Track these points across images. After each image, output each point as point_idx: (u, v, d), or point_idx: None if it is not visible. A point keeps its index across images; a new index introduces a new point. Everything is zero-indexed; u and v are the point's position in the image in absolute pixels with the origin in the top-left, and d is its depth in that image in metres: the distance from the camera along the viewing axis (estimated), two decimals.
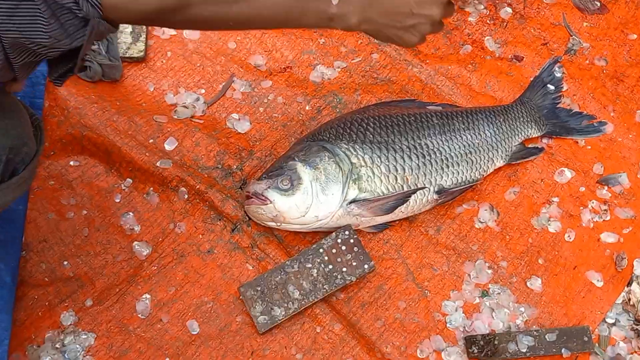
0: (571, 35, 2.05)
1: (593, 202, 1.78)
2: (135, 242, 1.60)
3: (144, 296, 1.55)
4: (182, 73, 1.84)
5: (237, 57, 1.89)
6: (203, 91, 1.83)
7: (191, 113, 1.77)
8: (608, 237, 1.74)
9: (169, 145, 1.70)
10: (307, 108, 1.84)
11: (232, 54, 1.89)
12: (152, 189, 1.66)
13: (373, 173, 1.61)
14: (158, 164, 1.66)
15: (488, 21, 2.04)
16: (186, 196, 1.66)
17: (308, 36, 1.94)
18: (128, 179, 1.67)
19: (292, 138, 1.79)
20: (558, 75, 1.92)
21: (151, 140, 1.71)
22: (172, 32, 1.89)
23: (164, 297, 1.55)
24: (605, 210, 1.77)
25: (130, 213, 1.63)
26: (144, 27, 1.81)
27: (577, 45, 2.03)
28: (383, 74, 1.93)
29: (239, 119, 1.80)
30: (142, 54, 1.81)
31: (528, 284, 1.66)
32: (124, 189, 1.66)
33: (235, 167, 1.72)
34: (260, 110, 1.83)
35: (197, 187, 1.65)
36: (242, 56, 1.90)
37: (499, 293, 1.64)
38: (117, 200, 1.65)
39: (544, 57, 2.00)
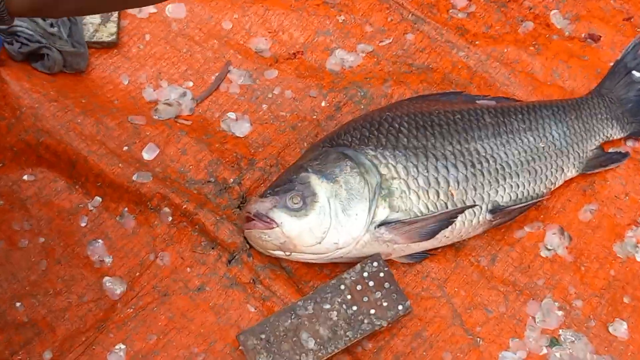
0: None
1: None
2: (106, 278, 1.60)
3: (117, 347, 1.54)
4: (164, 61, 1.85)
5: (233, 41, 1.89)
6: (191, 84, 1.83)
7: (176, 112, 1.78)
8: None
9: (148, 154, 1.71)
10: (322, 104, 1.84)
11: (228, 37, 1.90)
12: (126, 209, 1.67)
13: (408, 187, 1.60)
14: (134, 177, 1.66)
15: None
16: (170, 218, 1.66)
17: (324, 13, 1.95)
18: (96, 197, 1.67)
19: (304, 143, 1.79)
20: None
21: (125, 148, 1.71)
22: (151, 9, 1.90)
23: (143, 347, 1.55)
24: None
25: (100, 240, 1.64)
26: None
27: None
28: (420, 59, 1.93)
29: (237, 120, 1.80)
30: (113, 37, 1.83)
31: (610, 329, 1.64)
32: (91, 210, 1.66)
33: (232, 180, 1.72)
34: (263, 108, 1.83)
35: (184, 206, 1.65)
36: (240, 39, 1.90)
37: (572, 341, 1.62)
38: (83, 225, 1.65)
39: (627, 36, 1.99)
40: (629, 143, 1.86)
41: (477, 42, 1.95)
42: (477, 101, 1.79)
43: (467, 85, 1.89)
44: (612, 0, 2.03)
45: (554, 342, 1.62)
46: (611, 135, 1.82)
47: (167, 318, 1.58)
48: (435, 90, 1.87)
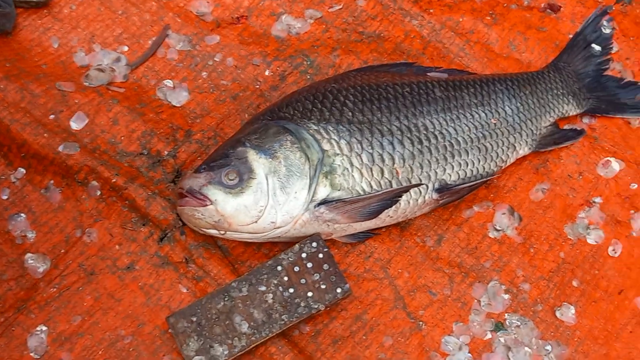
0: None
1: None
2: (29, 255, 1.55)
3: (38, 328, 1.50)
4: (97, 24, 1.78)
5: (173, 3, 1.83)
6: (126, 49, 1.77)
7: (108, 78, 1.72)
8: None
9: (76, 123, 1.65)
10: (266, 73, 1.79)
11: None
12: (52, 182, 1.61)
13: (351, 164, 1.55)
14: (60, 148, 1.60)
15: None
16: (99, 192, 1.60)
17: None
18: (20, 169, 1.62)
19: (245, 114, 1.73)
20: (607, 31, 1.88)
21: (52, 116, 1.65)
22: None
23: (66, 329, 1.51)
24: None
25: (22, 215, 1.58)
26: None
27: None
28: (371, 27, 1.87)
29: (174, 88, 1.74)
30: None
31: (558, 313, 1.62)
32: (13, 182, 1.61)
33: (166, 153, 1.66)
34: (203, 76, 1.77)
35: (114, 180, 1.60)
36: (180, 1, 1.84)
37: (518, 326, 1.60)
38: (5, 198, 1.59)
39: (588, 7, 1.95)
40: (585, 120, 1.83)
41: (431, 10, 1.90)
42: (428, 73, 1.74)
43: (420, 55, 1.85)
44: None
45: (499, 326, 1.60)
46: (567, 111, 1.79)
47: (93, 298, 1.54)
48: (386, 60, 1.83)
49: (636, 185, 1.75)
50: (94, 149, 1.63)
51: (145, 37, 1.78)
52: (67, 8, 1.78)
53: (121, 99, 1.69)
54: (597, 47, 1.86)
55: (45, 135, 1.60)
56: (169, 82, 1.74)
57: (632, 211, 1.73)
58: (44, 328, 1.50)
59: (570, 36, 1.88)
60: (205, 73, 1.77)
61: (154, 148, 1.66)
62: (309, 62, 1.80)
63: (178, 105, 1.72)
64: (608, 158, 1.77)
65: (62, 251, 1.57)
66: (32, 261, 1.54)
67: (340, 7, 1.88)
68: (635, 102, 1.83)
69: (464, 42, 1.87)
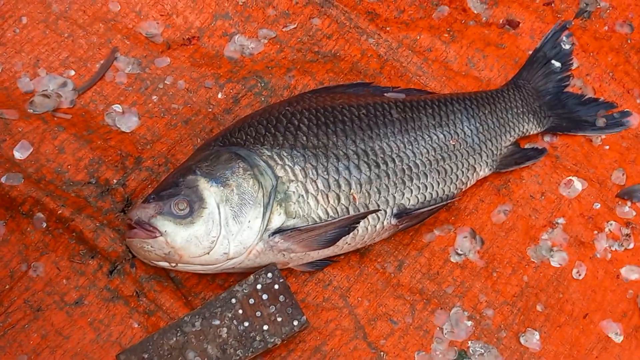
0: None
1: (611, 224, 1.73)
2: None
3: None
4: (42, 47, 1.73)
5: (121, 24, 1.78)
6: (72, 73, 1.72)
7: (54, 104, 1.67)
8: (631, 273, 1.68)
9: (19, 153, 1.60)
10: (219, 96, 1.75)
11: (115, 20, 1.79)
12: None
13: (306, 191, 1.51)
14: (3, 179, 1.56)
15: None
16: (44, 224, 1.56)
17: None
18: None
19: (197, 139, 1.69)
20: (566, 47, 1.87)
21: None
22: None
23: None
24: (627, 235, 1.71)
25: None
26: None
27: (593, 5, 1.96)
28: (327, 46, 1.84)
29: (123, 113, 1.70)
30: None
31: (522, 340, 1.60)
32: None
33: (115, 181, 1.62)
34: (153, 100, 1.72)
35: (60, 212, 1.55)
36: (129, 22, 1.79)
37: (482, 354, 1.58)
38: None
39: (547, 22, 1.93)
40: (547, 138, 1.81)
41: (388, 29, 1.87)
42: (385, 94, 1.71)
43: (377, 75, 1.82)
44: None
45: (463, 354, 1.57)
46: (528, 130, 1.77)
47: (39, 336, 1.49)
48: (343, 80, 1.80)
49: (599, 205, 1.74)
50: (39, 179, 1.58)
51: (92, 60, 1.74)
52: (11, 31, 1.73)
53: (67, 125, 1.64)
54: (557, 64, 1.85)
55: None
56: (117, 107, 1.70)
57: (595, 232, 1.71)
58: None
59: (530, 53, 1.86)
60: (155, 97, 1.73)
61: (102, 176, 1.62)
62: (263, 84, 1.77)
63: (127, 131, 1.68)
64: (570, 177, 1.76)
65: (7, 287, 1.52)
66: None
67: (295, 26, 1.85)
68: (596, 119, 1.82)
69: (421, 60, 1.84)
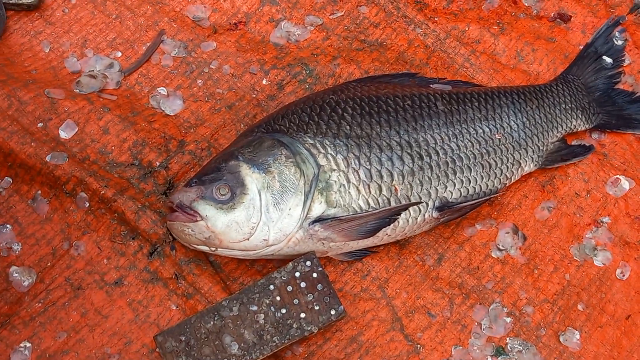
0: None
1: None
2: (13, 268, 1.53)
3: (22, 344, 1.48)
4: (90, 28, 1.76)
5: (169, 7, 1.81)
6: (119, 54, 1.75)
7: (100, 85, 1.70)
8: None
9: (65, 132, 1.63)
10: (264, 82, 1.76)
11: (163, 2, 1.81)
12: (39, 192, 1.59)
13: (348, 180, 1.52)
14: (48, 158, 1.58)
15: None
16: (87, 204, 1.58)
17: None
18: (6, 178, 1.59)
19: (240, 124, 1.71)
20: (619, 43, 1.85)
21: (40, 125, 1.62)
22: None
23: (51, 346, 1.49)
24: None
25: (8, 226, 1.56)
26: None
27: None
28: (374, 35, 1.85)
29: (168, 96, 1.72)
30: None
31: (562, 338, 1.60)
32: (0, 192, 1.59)
33: (158, 164, 1.64)
34: (198, 84, 1.74)
35: (103, 192, 1.57)
36: (177, 5, 1.82)
37: (520, 351, 1.58)
38: None
39: (600, 17, 1.92)
40: (595, 135, 1.80)
41: (436, 19, 1.87)
42: (431, 85, 1.71)
43: (423, 65, 1.82)
44: None
45: (500, 351, 1.57)
46: (575, 126, 1.76)
47: (79, 314, 1.52)
48: (388, 70, 1.80)
49: None
50: (83, 159, 1.61)
51: (139, 42, 1.76)
52: (60, 11, 1.76)
53: (113, 107, 1.67)
54: (608, 60, 1.83)
55: (32, 144, 1.58)
56: (162, 90, 1.72)
57: None
58: (28, 344, 1.48)
59: (581, 47, 1.85)
60: (200, 81, 1.74)
61: (145, 159, 1.64)
62: (308, 71, 1.77)
63: (172, 114, 1.70)
64: (618, 176, 1.75)
65: (49, 264, 1.55)
66: (17, 274, 1.53)
67: (342, 13, 1.85)
68: None
69: (469, 52, 1.84)
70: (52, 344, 1.49)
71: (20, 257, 1.54)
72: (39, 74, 1.69)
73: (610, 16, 1.89)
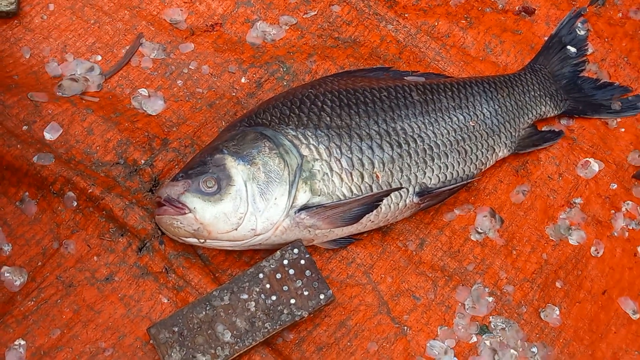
0: None
1: (628, 204, 1.77)
2: (5, 268, 1.55)
3: (16, 342, 1.49)
4: (70, 33, 1.79)
5: (146, 11, 1.84)
6: (99, 58, 1.78)
7: (82, 88, 1.73)
8: None
9: (50, 134, 1.65)
10: (242, 80, 1.80)
11: (140, 7, 1.85)
12: (27, 194, 1.61)
13: (331, 169, 1.57)
14: (35, 159, 1.60)
15: None
16: (75, 203, 1.60)
17: None
18: None
19: (221, 122, 1.74)
20: (581, 33, 1.92)
21: (25, 127, 1.65)
22: None
23: (45, 343, 1.50)
24: None
25: None
26: None
27: None
28: (347, 32, 1.90)
29: (149, 97, 1.75)
30: (13, 7, 1.76)
31: (542, 315, 1.64)
32: None
33: (143, 162, 1.67)
34: (178, 84, 1.78)
35: (90, 190, 1.60)
36: (154, 9, 1.85)
37: (503, 328, 1.62)
38: None
39: (562, 10, 1.99)
40: (563, 121, 1.86)
41: (406, 15, 1.92)
42: (405, 77, 1.76)
43: (396, 60, 1.87)
44: None
45: (484, 329, 1.62)
46: (545, 113, 1.82)
47: (72, 311, 1.53)
48: (362, 65, 1.85)
49: (616, 185, 1.79)
50: (69, 159, 1.63)
51: (118, 46, 1.79)
52: (38, 18, 1.79)
53: (96, 108, 1.70)
54: (572, 49, 1.90)
55: (18, 146, 1.60)
56: (143, 91, 1.75)
57: (612, 211, 1.76)
58: (22, 342, 1.49)
59: (546, 38, 1.92)
60: (180, 81, 1.78)
61: (130, 157, 1.67)
62: (285, 69, 1.82)
63: (154, 114, 1.73)
64: (587, 159, 1.81)
65: (39, 264, 1.56)
66: (8, 274, 1.54)
67: (315, 13, 1.90)
68: (611, 102, 1.87)
69: (440, 45, 1.90)
70: (46, 340, 1.50)
71: (11, 258, 1.56)
72: (20, 78, 1.71)
73: (572, 8, 1.96)
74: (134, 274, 1.58)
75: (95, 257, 1.58)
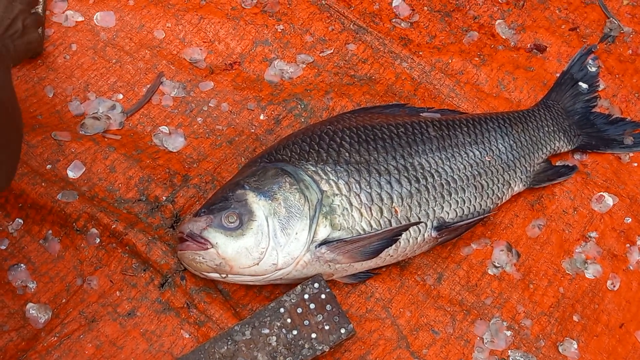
0: (608, 18, 2.06)
1: None
2: (30, 305, 1.56)
3: None
4: (92, 72, 1.82)
5: (166, 51, 1.87)
6: (121, 96, 1.81)
7: (104, 126, 1.75)
8: None
9: (73, 172, 1.67)
10: (261, 117, 1.82)
11: (160, 47, 1.87)
12: (50, 231, 1.62)
13: (350, 204, 1.58)
14: (59, 197, 1.62)
15: None
16: (98, 240, 1.62)
17: (262, 22, 1.93)
18: (17, 220, 1.63)
19: (241, 158, 1.76)
20: (593, 69, 1.95)
21: (49, 166, 1.67)
22: (79, 17, 1.86)
23: None
24: None
25: (22, 265, 1.59)
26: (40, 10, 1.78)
27: (617, 30, 2.05)
28: (362, 70, 1.92)
29: (170, 134, 1.77)
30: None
31: (560, 349, 1.65)
32: (11, 233, 1.62)
33: (164, 198, 1.68)
34: (198, 122, 1.80)
35: (114, 226, 1.61)
36: (174, 49, 1.88)
37: None
38: (3, 248, 1.60)
39: (573, 47, 2.02)
40: (577, 156, 1.87)
41: (420, 53, 1.95)
42: (421, 114, 1.78)
43: (411, 97, 1.89)
44: (557, 11, 2.05)
45: None
46: (558, 148, 1.83)
47: (94, 346, 1.54)
48: (378, 102, 1.87)
49: (630, 219, 1.80)
50: (92, 196, 1.65)
51: (139, 84, 1.82)
52: (61, 58, 1.81)
53: (117, 146, 1.71)
54: (584, 85, 1.92)
55: (43, 184, 1.62)
56: (164, 129, 1.77)
57: (627, 245, 1.77)
58: None
59: (558, 75, 1.94)
60: (200, 118, 1.80)
61: (151, 194, 1.68)
62: (302, 106, 1.84)
63: (174, 150, 1.75)
64: (601, 193, 1.82)
65: (63, 300, 1.57)
66: (33, 311, 1.55)
67: (331, 51, 1.93)
68: (623, 138, 1.88)
69: (454, 82, 1.92)
70: None
71: (36, 295, 1.57)
72: (44, 118, 1.74)
73: (583, 45, 1.99)
74: (156, 309, 1.58)
75: (117, 292, 1.59)
